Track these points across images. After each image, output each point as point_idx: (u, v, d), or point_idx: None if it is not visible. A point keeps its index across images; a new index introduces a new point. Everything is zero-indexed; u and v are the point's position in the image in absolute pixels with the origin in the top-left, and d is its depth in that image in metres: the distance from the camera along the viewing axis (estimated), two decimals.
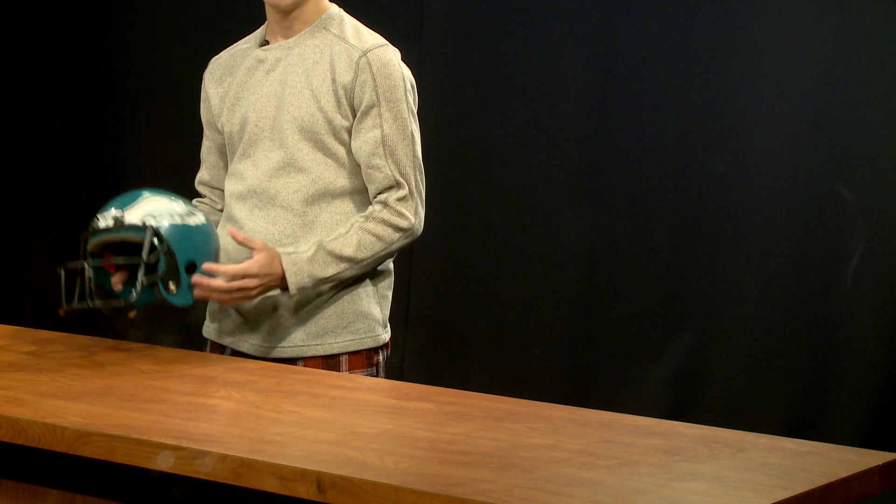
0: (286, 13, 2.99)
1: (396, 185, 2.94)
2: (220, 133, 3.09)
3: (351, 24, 3.01)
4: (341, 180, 2.97)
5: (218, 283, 2.88)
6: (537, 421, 2.35)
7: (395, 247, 2.95)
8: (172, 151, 5.03)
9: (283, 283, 2.91)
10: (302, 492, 2.02)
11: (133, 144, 5.13)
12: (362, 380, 2.76)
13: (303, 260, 2.90)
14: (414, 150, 2.97)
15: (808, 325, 4.16)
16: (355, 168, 2.97)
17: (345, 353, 2.99)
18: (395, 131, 2.94)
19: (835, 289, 4.11)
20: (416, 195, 2.96)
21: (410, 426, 2.35)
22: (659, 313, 4.36)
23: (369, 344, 3.01)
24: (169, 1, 5.02)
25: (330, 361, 2.98)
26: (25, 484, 2.41)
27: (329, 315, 2.98)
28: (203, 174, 3.18)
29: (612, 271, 4.42)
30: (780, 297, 4.19)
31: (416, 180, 2.97)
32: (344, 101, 2.93)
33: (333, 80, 2.93)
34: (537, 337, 4.53)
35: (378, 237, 2.93)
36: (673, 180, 4.33)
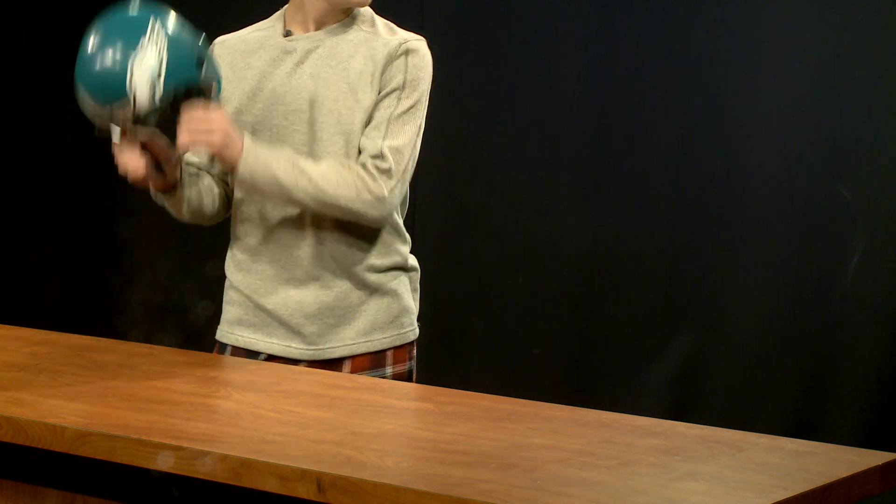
0: (346, 11, 2.97)
1: (381, 157, 2.88)
2: None
3: (381, 21, 3.00)
4: None
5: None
6: (537, 421, 2.35)
7: (353, 205, 2.86)
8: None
9: (235, 150, 2.84)
10: (302, 492, 2.02)
11: None
12: (362, 380, 2.76)
13: (264, 147, 2.87)
14: (415, 141, 2.93)
15: (808, 325, 4.16)
16: None
17: (391, 349, 2.98)
18: (405, 116, 2.91)
19: (835, 289, 4.12)
20: (399, 178, 2.89)
21: (410, 426, 2.35)
22: (659, 313, 4.36)
23: (410, 337, 3.02)
24: (168, 1, 5.02)
25: (377, 357, 2.96)
26: (25, 484, 2.41)
27: (376, 311, 2.96)
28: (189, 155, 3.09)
29: (612, 271, 4.42)
30: (780, 297, 4.20)
31: (406, 167, 2.90)
32: (377, 86, 2.92)
33: (372, 74, 2.91)
34: (537, 337, 4.53)
35: (345, 183, 2.85)
36: (673, 180, 4.33)
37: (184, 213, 3.00)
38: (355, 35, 2.95)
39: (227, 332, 3.03)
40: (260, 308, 2.97)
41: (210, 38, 3.10)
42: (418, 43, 2.95)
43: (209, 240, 4.98)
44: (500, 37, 4.54)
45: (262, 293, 2.97)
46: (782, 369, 4.19)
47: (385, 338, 2.98)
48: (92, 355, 2.82)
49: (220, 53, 3.05)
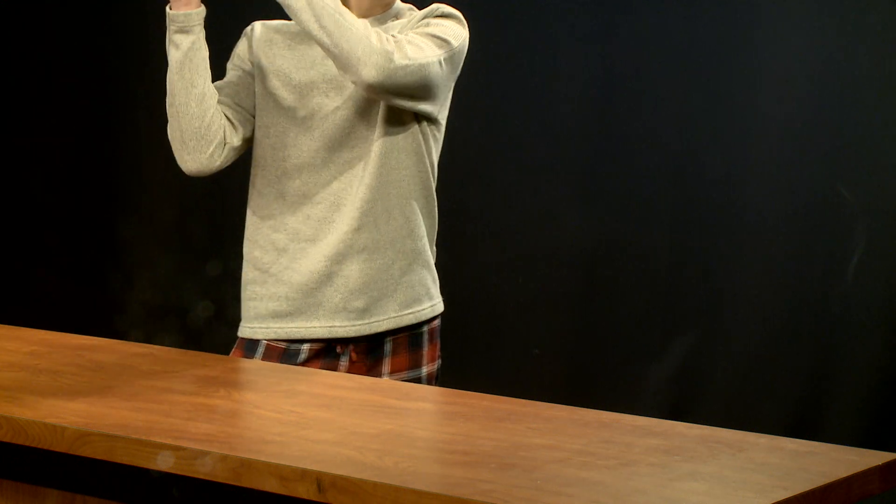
0: (391, 3, 2.97)
1: (396, 38, 2.82)
2: (251, 88, 3.02)
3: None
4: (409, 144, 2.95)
5: None
6: (537, 421, 2.35)
7: (359, 46, 2.75)
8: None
9: None
10: (302, 492, 2.02)
11: (133, 144, 5.14)
12: (362, 380, 2.76)
13: None
14: (438, 66, 2.87)
15: (808, 325, 4.16)
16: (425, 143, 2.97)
17: (426, 321, 3.00)
18: (428, 38, 2.87)
19: (835, 289, 4.12)
20: (409, 61, 2.79)
21: (410, 426, 2.35)
22: (659, 313, 4.36)
23: (439, 309, 3.05)
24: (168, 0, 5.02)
25: (415, 331, 2.99)
26: (25, 484, 2.41)
27: (416, 282, 2.97)
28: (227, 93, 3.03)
29: (612, 271, 4.42)
30: (780, 297, 4.20)
31: (419, 60, 2.81)
32: None
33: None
34: (537, 337, 4.53)
35: (366, 26, 2.79)
36: (673, 180, 4.33)
37: (185, 77, 2.91)
38: (397, 24, 2.96)
39: (260, 326, 3.00)
40: (298, 291, 2.95)
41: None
42: (454, 10, 2.96)
43: (209, 240, 5.00)
44: (500, 37, 4.54)
45: (301, 273, 2.95)
46: (782, 369, 4.19)
47: (423, 309, 2.99)
48: (92, 355, 2.82)
49: (260, 32, 3.04)
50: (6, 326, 3.10)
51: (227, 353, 3.04)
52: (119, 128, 5.17)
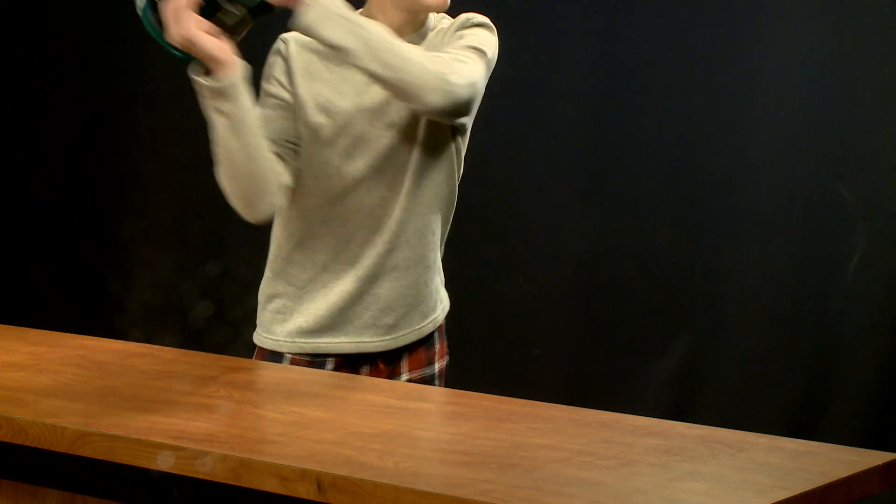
0: (424, 20, 2.92)
1: (446, 58, 2.76)
2: (292, 117, 2.89)
3: None
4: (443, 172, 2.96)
5: None
6: (537, 421, 2.35)
7: (420, 74, 2.67)
8: (172, 151, 5.03)
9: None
10: (302, 492, 2.02)
11: (133, 144, 5.14)
12: (362, 380, 2.76)
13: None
14: (481, 81, 2.80)
15: (808, 325, 4.16)
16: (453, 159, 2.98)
17: (437, 327, 3.01)
18: (468, 51, 2.81)
19: (835, 289, 4.12)
20: (467, 81, 2.72)
21: (410, 426, 2.35)
22: (659, 313, 4.36)
23: (448, 307, 3.06)
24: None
25: (429, 339, 2.99)
26: (25, 484, 2.41)
27: (430, 293, 2.97)
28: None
29: (612, 271, 4.42)
30: (780, 297, 4.20)
31: (471, 77, 2.75)
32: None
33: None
34: (537, 337, 4.53)
35: (423, 54, 2.72)
36: (673, 180, 4.33)
37: (242, 141, 2.70)
38: (435, 36, 2.91)
39: (285, 340, 2.97)
40: (328, 309, 2.92)
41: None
42: (485, 19, 2.91)
43: (209, 240, 5.00)
44: (500, 36, 4.53)
45: (335, 293, 2.93)
46: (782, 369, 4.19)
47: (437, 316, 3.01)
48: (92, 355, 2.82)
49: (296, 54, 2.89)
50: (6, 326, 3.10)
51: (227, 353, 3.04)
52: (119, 128, 5.17)
